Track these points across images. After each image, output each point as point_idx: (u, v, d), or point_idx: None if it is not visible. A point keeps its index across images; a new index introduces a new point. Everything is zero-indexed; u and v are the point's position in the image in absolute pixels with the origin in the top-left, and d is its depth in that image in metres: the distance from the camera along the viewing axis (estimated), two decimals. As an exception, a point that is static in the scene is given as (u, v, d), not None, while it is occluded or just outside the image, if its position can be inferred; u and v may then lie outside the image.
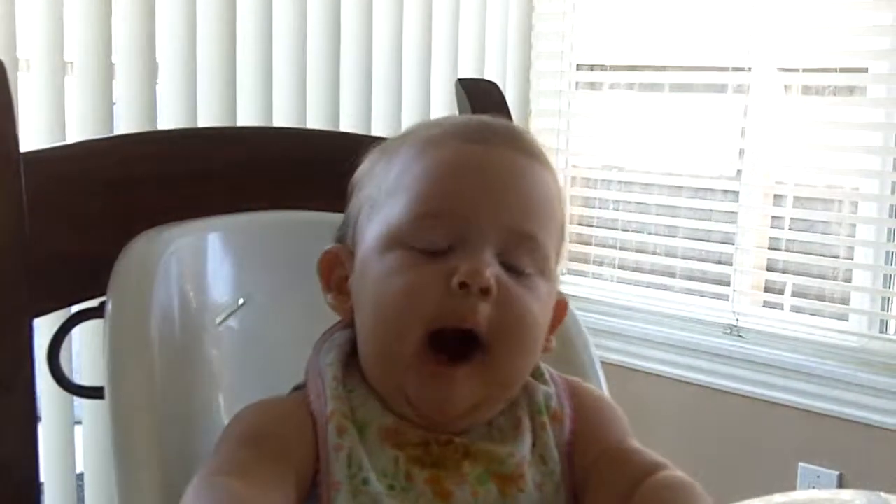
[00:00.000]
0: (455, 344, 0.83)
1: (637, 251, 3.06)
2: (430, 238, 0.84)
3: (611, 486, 0.86)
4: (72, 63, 2.13)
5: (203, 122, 2.29)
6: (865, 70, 2.69)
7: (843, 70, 2.73)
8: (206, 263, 1.08)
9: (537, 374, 0.92)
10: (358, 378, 0.88)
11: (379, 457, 0.83)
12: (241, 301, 1.07)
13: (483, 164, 0.86)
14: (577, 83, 3.17)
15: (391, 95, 2.72)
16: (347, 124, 2.59)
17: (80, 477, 2.17)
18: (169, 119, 2.25)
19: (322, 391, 0.86)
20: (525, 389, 0.90)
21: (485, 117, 0.93)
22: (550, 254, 0.88)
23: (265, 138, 1.30)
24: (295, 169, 1.22)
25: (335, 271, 0.92)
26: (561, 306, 0.93)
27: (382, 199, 0.88)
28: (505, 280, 0.84)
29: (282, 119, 2.45)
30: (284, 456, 0.82)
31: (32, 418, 0.99)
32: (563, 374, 0.94)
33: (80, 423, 2.13)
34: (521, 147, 0.89)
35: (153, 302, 0.98)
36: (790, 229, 2.83)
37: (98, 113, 2.12)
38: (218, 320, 1.05)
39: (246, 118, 2.37)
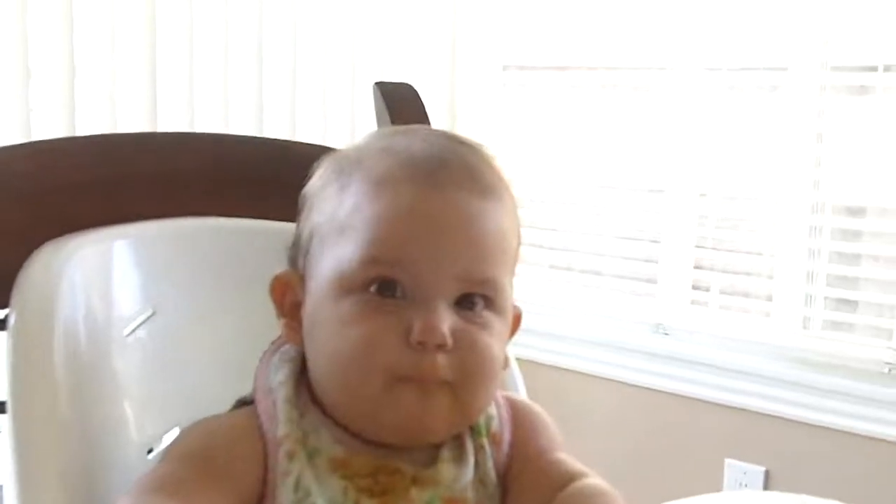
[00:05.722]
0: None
1: (564, 250, 3.07)
2: (381, 278, 0.83)
3: (531, 494, 0.86)
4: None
5: (122, 128, 2.25)
6: (786, 69, 2.71)
7: (765, 69, 2.76)
8: (113, 273, 1.05)
9: None
10: (308, 400, 0.86)
11: (328, 485, 0.82)
12: (149, 311, 1.05)
13: (435, 214, 0.84)
14: (503, 84, 3.16)
15: (314, 99, 2.70)
16: (271, 129, 2.57)
17: None
18: (89, 125, 2.22)
19: (274, 413, 0.85)
20: None
21: (439, 146, 0.88)
22: (505, 286, 0.87)
23: (182, 144, 1.27)
24: (213, 175, 1.19)
25: (287, 296, 0.90)
26: (516, 318, 0.92)
27: (334, 236, 0.85)
28: (460, 327, 0.83)
29: (204, 125, 2.42)
30: (229, 477, 0.80)
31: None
32: (506, 393, 0.94)
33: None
34: (475, 185, 0.86)
35: (57, 314, 0.96)
36: (716, 227, 2.85)
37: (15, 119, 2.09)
38: (126, 331, 1.03)
39: (168, 124, 2.34)
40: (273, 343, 0.91)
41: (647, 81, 2.92)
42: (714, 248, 2.86)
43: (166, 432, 1.01)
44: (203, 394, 0.91)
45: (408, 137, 0.90)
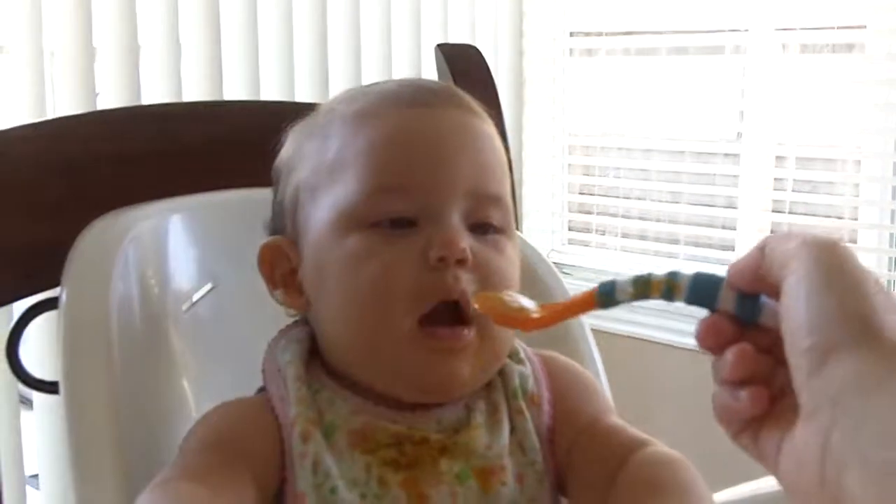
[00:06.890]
0: (445, 320, 0.78)
1: (640, 218, 3.01)
2: (391, 212, 0.79)
3: (594, 467, 0.81)
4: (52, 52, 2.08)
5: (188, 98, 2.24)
6: (864, 27, 2.63)
7: (840, 28, 2.67)
8: (169, 247, 1.03)
9: (512, 353, 0.86)
10: (322, 376, 0.82)
11: (349, 464, 0.77)
12: (209, 285, 1.02)
13: (433, 128, 0.81)
14: (570, 50, 3.10)
15: (380, 66, 2.67)
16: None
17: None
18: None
19: (285, 393, 0.80)
20: (500, 371, 0.85)
21: (415, 79, 0.88)
22: (511, 209, 0.84)
23: (232, 113, 1.24)
24: (262, 144, 1.16)
25: (279, 266, 0.86)
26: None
27: (324, 181, 0.82)
28: (476, 247, 0.80)
29: (269, 92, 2.39)
30: (245, 462, 0.76)
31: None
32: (537, 350, 0.89)
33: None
34: (463, 105, 0.84)
35: (111, 290, 0.93)
36: (793, 191, 2.78)
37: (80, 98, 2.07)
38: (185, 307, 1.00)
39: (233, 92, 2.31)
40: (279, 332, 0.88)
41: (717, 44, 2.85)
42: (792, 213, 2.78)
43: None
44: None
45: (379, 83, 0.88)
